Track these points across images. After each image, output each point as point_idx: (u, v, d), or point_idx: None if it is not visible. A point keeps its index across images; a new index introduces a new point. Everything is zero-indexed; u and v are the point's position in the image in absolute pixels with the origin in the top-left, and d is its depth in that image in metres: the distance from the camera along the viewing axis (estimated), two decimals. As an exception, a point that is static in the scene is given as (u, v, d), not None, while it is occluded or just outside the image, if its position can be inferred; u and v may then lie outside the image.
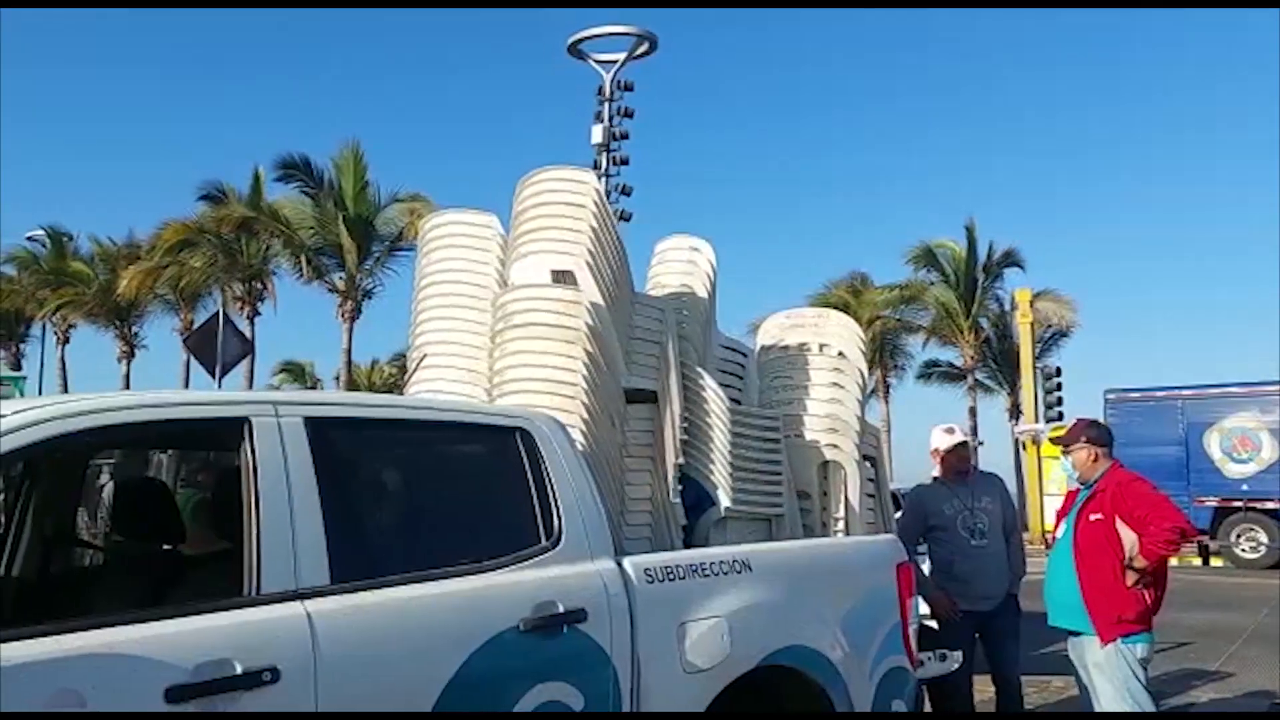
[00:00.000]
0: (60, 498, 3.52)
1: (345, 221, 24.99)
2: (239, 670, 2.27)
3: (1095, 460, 4.54)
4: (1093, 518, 4.44)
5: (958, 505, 5.24)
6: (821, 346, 4.78)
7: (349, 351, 26.23)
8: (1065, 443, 4.67)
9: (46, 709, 2.00)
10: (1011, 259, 29.75)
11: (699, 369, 4.25)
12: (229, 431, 2.61)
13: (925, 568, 5.28)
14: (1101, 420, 5.46)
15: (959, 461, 5.33)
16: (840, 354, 4.76)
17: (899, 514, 5.68)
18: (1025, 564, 5.39)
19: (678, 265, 4.67)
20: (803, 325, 4.91)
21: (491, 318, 4.01)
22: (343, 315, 25.74)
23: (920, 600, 4.55)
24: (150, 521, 3.27)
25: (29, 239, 30.80)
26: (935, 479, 5.42)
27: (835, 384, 4.65)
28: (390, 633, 2.60)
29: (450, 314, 4.26)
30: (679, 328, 4.30)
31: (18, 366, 29.83)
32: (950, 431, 5.40)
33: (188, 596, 2.61)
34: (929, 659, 4.41)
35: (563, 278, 3.95)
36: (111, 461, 4.47)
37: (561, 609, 2.92)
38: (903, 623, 3.98)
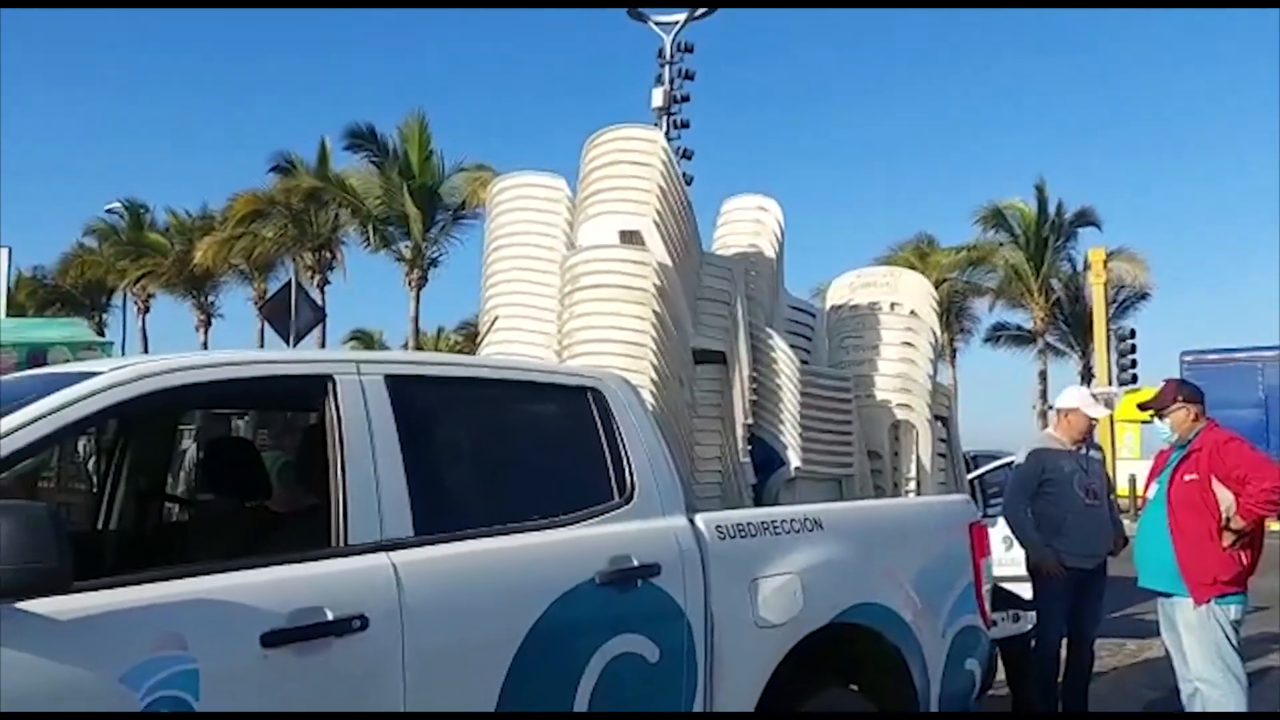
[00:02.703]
0: (152, 455, 3.66)
1: (410, 191, 25.26)
2: (330, 617, 2.35)
3: (1195, 419, 4.47)
4: (1187, 478, 4.37)
5: (1075, 465, 5.24)
6: (893, 305, 4.74)
7: (416, 320, 26.59)
8: (1159, 406, 4.58)
9: (153, 652, 2.10)
10: (1086, 218, 29.06)
11: (768, 329, 4.25)
12: (314, 389, 2.68)
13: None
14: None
15: (1087, 429, 5.36)
16: (912, 312, 4.72)
17: (971, 474, 5.69)
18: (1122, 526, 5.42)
19: (745, 225, 4.66)
20: (874, 284, 4.88)
21: (560, 280, 4.05)
22: (410, 284, 26.08)
23: (992, 561, 4.53)
24: (239, 479, 3.39)
25: (108, 211, 31.74)
26: (1053, 437, 5.42)
27: (907, 343, 4.61)
28: (471, 584, 2.67)
29: (520, 276, 4.31)
30: (747, 288, 4.30)
31: (101, 334, 30.84)
32: (1075, 395, 5.47)
33: (278, 550, 2.70)
34: (1002, 619, 4.40)
35: (630, 238, 3.97)
36: (195, 426, 4.63)
37: (636, 563, 2.96)
38: (976, 582, 3.96)
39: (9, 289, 10.86)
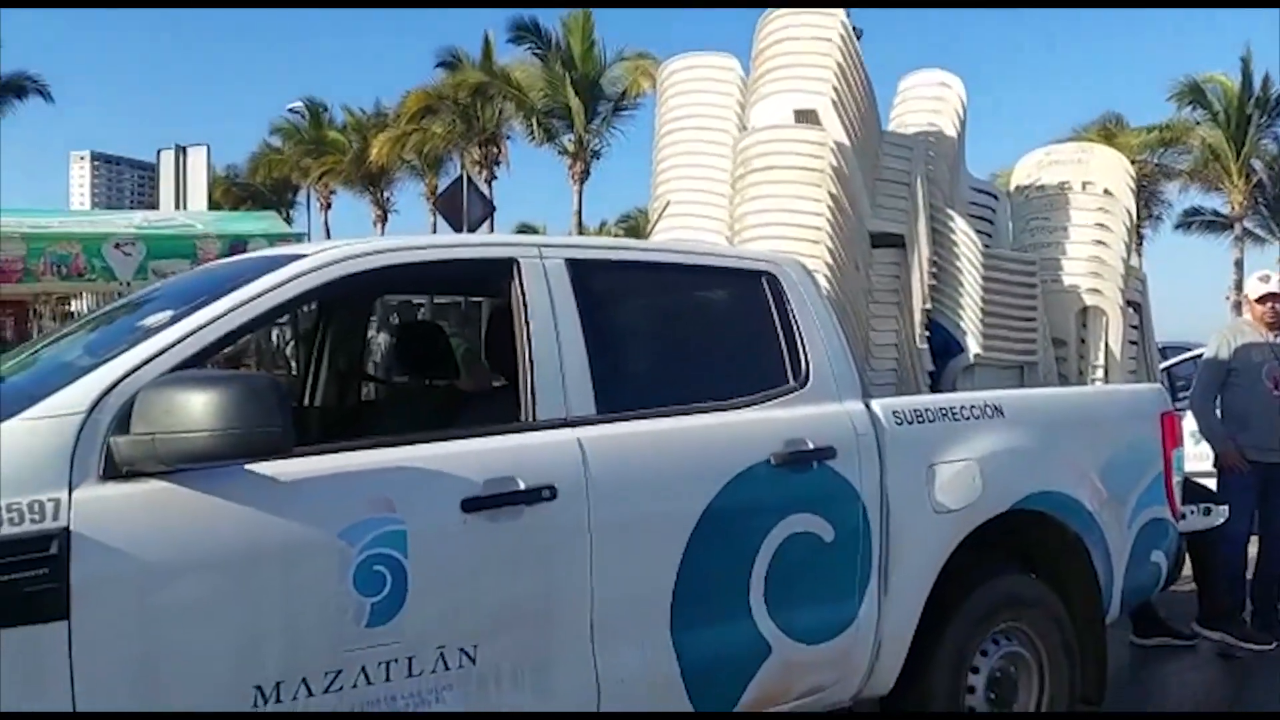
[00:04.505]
0: (349, 337, 3.89)
1: (573, 82, 25.30)
2: (522, 486, 2.47)
3: None
4: None
5: (1266, 354, 4.97)
6: (1084, 184, 4.48)
7: (579, 213, 26.93)
8: None
9: (367, 513, 2.26)
10: (1297, 92, 26.44)
11: (948, 210, 4.10)
12: (500, 272, 2.77)
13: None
14: None
15: (1269, 313, 5.04)
16: (1105, 191, 4.45)
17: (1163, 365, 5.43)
18: None
19: (924, 103, 4.47)
20: (1063, 162, 4.61)
21: (732, 163, 4.00)
22: (573, 177, 26.36)
23: (1184, 454, 4.33)
24: (430, 360, 3.57)
25: (290, 110, 33.18)
26: (1244, 325, 5.17)
27: (1099, 224, 4.37)
28: (652, 460, 2.74)
29: (691, 160, 4.28)
30: (926, 169, 4.14)
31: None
32: (1264, 279, 5.12)
33: (469, 425, 2.83)
34: (1192, 512, 4.22)
35: (806, 118, 3.87)
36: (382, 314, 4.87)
37: (811, 446, 2.97)
38: (1165, 474, 3.81)
39: (209, 185, 11.57)
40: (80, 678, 1.96)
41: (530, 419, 2.63)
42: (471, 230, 12.70)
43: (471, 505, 2.39)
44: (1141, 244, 29.67)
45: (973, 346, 4.00)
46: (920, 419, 3.24)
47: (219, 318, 2.31)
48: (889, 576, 3.08)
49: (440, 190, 18.05)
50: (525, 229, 37.84)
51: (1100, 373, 4.35)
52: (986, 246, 4.26)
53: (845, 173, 3.70)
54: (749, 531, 2.85)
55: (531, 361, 2.66)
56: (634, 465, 2.70)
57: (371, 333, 4.98)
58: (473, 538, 2.40)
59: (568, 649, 2.55)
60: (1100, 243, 4.37)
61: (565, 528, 2.54)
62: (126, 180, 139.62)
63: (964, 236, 4.05)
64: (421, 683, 2.33)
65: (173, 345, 2.22)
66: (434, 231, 26.85)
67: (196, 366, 2.22)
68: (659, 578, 2.68)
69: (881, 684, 3.13)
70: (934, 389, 3.88)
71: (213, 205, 11.96)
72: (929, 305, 3.92)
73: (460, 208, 12.52)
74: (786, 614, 2.88)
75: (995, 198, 4.77)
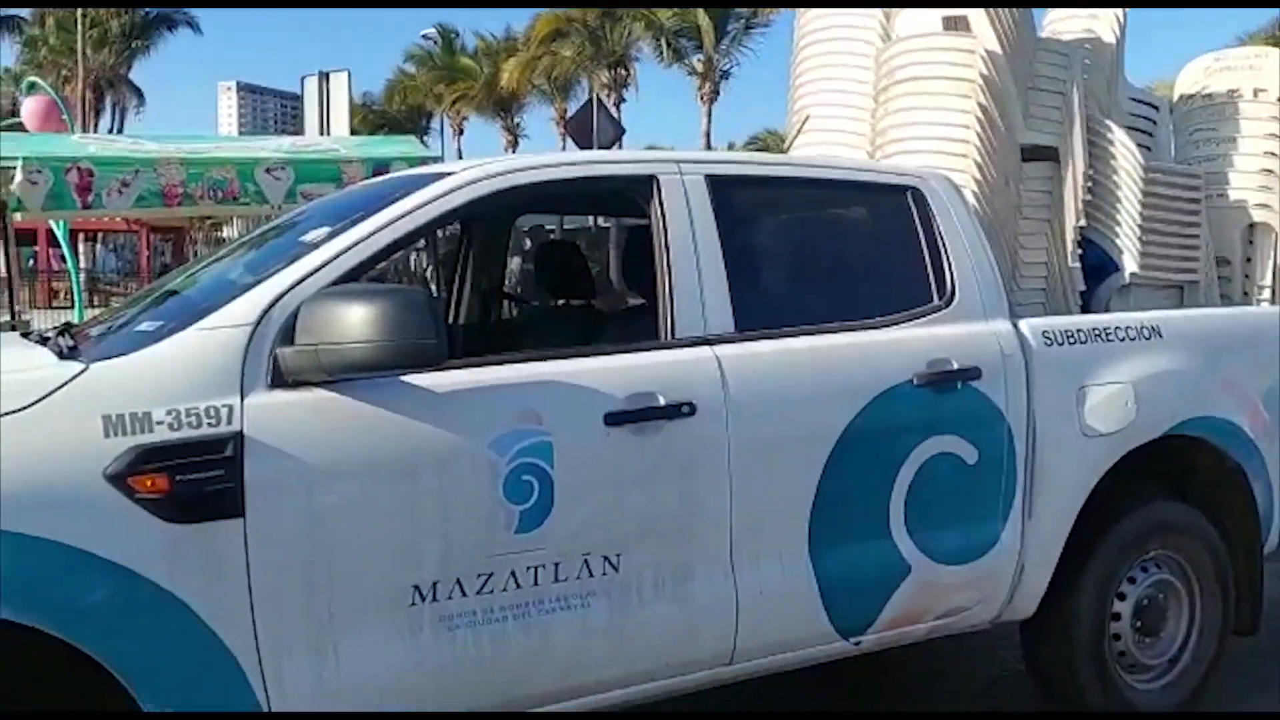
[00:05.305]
0: (491, 256, 3.97)
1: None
2: (662, 402, 2.50)
3: None
4: None
5: None
6: (1256, 92, 4.17)
7: (708, 135, 26.64)
8: None
9: (515, 424, 2.34)
10: None
11: (1106, 121, 3.88)
12: (640, 188, 2.77)
13: None
14: None
15: None
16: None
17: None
18: None
19: (1080, 8, 4.20)
20: (1235, 68, 4.29)
21: (875, 74, 3.87)
22: (701, 97, 26.04)
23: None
24: (569, 279, 3.62)
25: (423, 37, 33.64)
26: None
27: (1273, 134, 4.07)
28: (791, 379, 2.73)
29: (832, 73, 4.15)
30: (1083, 77, 3.91)
31: (425, 155, 33.34)
32: None
33: (609, 343, 2.88)
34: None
35: (955, 25, 3.70)
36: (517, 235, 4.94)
37: (955, 366, 2.91)
38: (1338, 402, 3.58)
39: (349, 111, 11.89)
40: (256, 571, 2.10)
41: (669, 337, 2.65)
42: (602, 153, 12.73)
43: (613, 419, 2.44)
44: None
45: (1129, 265, 3.81)
46: (1071, 340, 3.13)
47: (375, 233, 2.39)
48: (1034, 500, 3.02)
49: (570, 114, 18.10)
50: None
51: (1267, 293, 4.09)
52: (1146, 159, 4.02)
53: (996, 82, 3.54)
54: (889, 452, 2.82)
55: (670, 279, 2.67)
56: (773, 384, 2.70)
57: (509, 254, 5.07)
58: (615, 451, 2.46)
59: (707, 561, 2.59)
60: (1271, 154, 4.07)
61: (704, 444, 2.56)
62: (270, 109, 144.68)
63: (1123, 149, 3.83)
64: (567, 588, 2.41)
65: (332, 260, 2.32)
66: (564, 155, 27.02)
67: (354, 280, 2.31)
68: (797, 495, 2.70)
69: (1023, 608, 3.10)
70: (1085, 310, 3.73)
71: (352, 132, 12.28)
72: (1083, 222, 3.74)
73: (590, 131, 12.58)
74: (926, 535, 2.86)
75: (1156, 108, 4.48)
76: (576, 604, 2.43)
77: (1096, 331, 3.19)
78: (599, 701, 2.53)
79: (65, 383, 2.07)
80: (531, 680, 2.41)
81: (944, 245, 3.09)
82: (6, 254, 10.26)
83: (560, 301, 3.78)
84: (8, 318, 9.61)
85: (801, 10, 4.32)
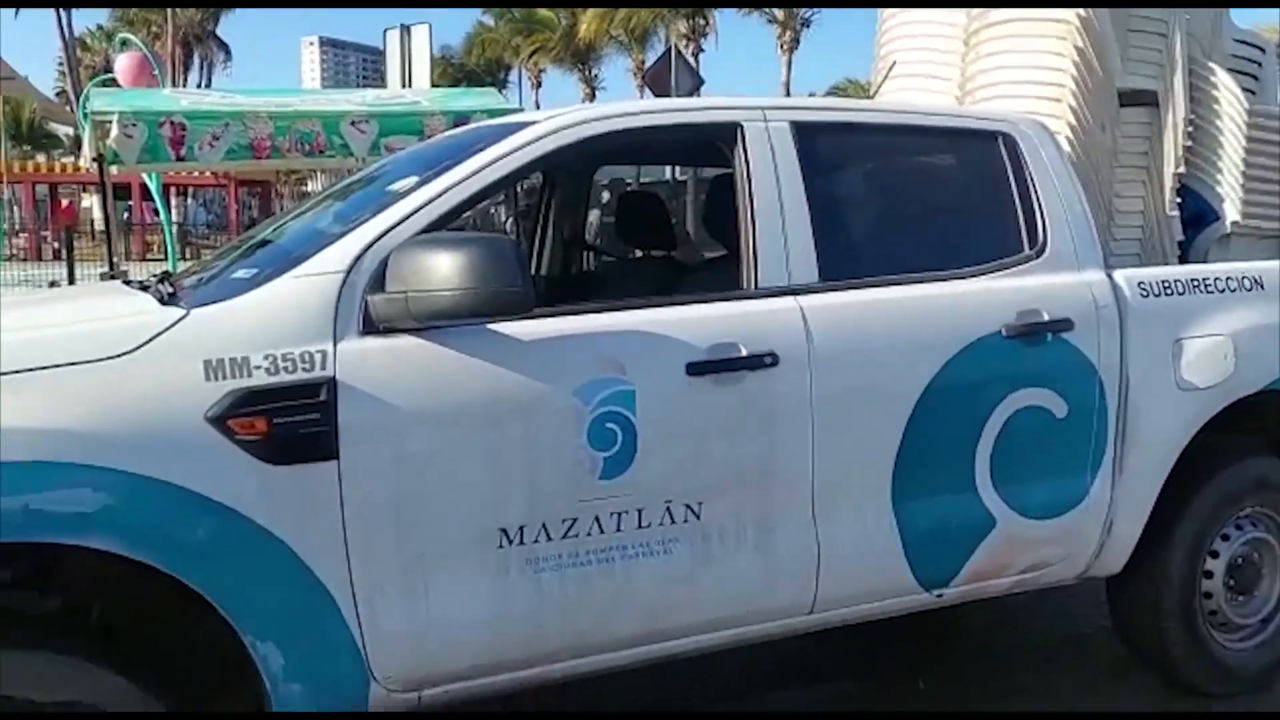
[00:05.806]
0: (572, 206, 3.98)
1: (784, -56, 24.26)
2: (744, 353, 2.50)
3: None
4: None
5: None
6: (1376, 30, 3.94)
7: (787, 84, 26.21)
8: None
9: (599, 373, 2.35)
10: None
11: (1209, 64, 3.72)
12: (724, 136, 2.74)
13: None
14: None
15: None
16: (1403, 37, 3.90)
17: None
18: None
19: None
20: (1353, 5, 4.06)
21: (966, 17, 3.76)
22: (781, 46, 25.58)
23: None
24: (651, 230, 3.62)
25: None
26: None
27: (1390, 76, 3.85)
28: (876, 330, 2.70)
29: (919, 16, 4.04)
30: (1185, 18, 3.75)
31: (503, 108, 33.47)
32: None
33: (691, 293, 2.86)
34: None
35: (1052, -35, 3.56)
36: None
37: (1046, 317, 2.85)
38: None
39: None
40: (350, 512, 2.17)
41: (752, 287, 2.64)
42: (681, 104, 12.60)
43: (696, 369, 2.45)
44: None
45: (1230, 214, 3.67)
46: (1168, 291, 3.04)
47: (462, 181, 2.41)
48: (1125, 455, 2.95)
49: (648, 65, 17.95)
50: (732, 102, 37.18)
51: (1382, 244, 3.90)
52: (1251, 103, 3.85)
53: (1094, 24, 3.41)
54: (976, 404, 2.78)
55: (754, 228, 2.65)
56: (857, 335, 2.67)
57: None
58: (697, 400, 2.46)
59: (789, 511, 2.59)
60: (1390, 97, 3.86)
61: (787, 394, 2.55)
62: (352, 63, 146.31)
63: (1226, 93, 3.67)
64: (650, 534, 2.44)
65: (421, 208, 2.35)
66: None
67: (442, 229, 2.34)
68: (881, 447, 2.68)
69: (1111, 564, 3.05)
70: (1183, 260, 3.60)
71: (432, 85, 12.36)
72: (1182, 169, 3.60)
73: (668, 82, 12.44)
74: (1012, 488, 2.82)
75: (1263, 50, 4.26)
76: (659, 550, 2.45)
77: (1195, 282, 3.09)
78: (679, 647, 2.56)
79: (168, 327, 2.14)
80: (614, 623, 2.45)
81: (1036, 193, 3.01)
82: (105, 206, 10.61)
83: (640, 253, 3.78)
84: (106, 268, 9.95)
85: (890, -47, 4.21)
